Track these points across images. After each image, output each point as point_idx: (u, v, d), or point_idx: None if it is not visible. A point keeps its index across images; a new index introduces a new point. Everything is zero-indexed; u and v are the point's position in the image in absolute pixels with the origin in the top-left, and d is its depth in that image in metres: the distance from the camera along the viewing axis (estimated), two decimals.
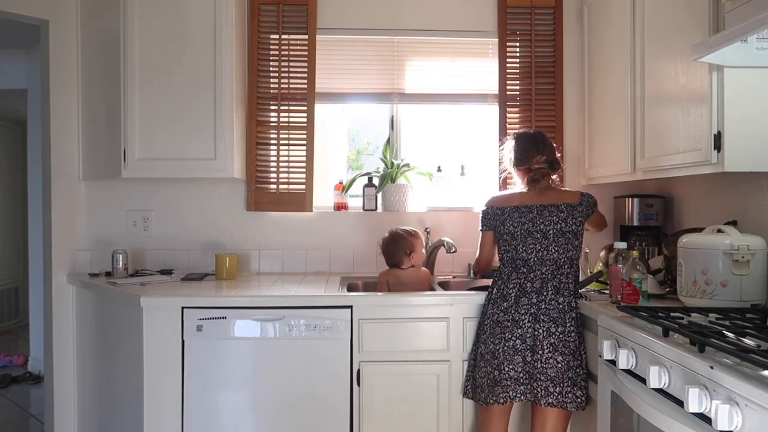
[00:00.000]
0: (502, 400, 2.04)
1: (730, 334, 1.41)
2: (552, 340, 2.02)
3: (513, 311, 2.07)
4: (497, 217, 2.18)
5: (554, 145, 2.26)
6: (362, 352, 2.29)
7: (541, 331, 2.03)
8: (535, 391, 2.02)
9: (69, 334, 2.86)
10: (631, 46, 2.39)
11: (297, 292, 2.40)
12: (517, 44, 3.03)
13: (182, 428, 2.28)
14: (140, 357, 2.28)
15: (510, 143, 2.29)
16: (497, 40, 3.03)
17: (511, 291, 2.11)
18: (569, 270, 2.11)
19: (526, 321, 2.05)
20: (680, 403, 1.38)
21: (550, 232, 2.10)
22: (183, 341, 2.28)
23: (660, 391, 1.49)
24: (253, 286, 2.57)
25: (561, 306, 2.05)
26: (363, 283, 2.81)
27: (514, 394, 2.03)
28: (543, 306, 2.05)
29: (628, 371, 1.68)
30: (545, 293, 2.07)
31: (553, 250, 2.10)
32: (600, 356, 1.87)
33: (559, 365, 2.01)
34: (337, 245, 3.02)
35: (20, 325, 6.00)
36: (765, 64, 1.74)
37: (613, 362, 1.77)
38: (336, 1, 3.02)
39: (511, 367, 2.03)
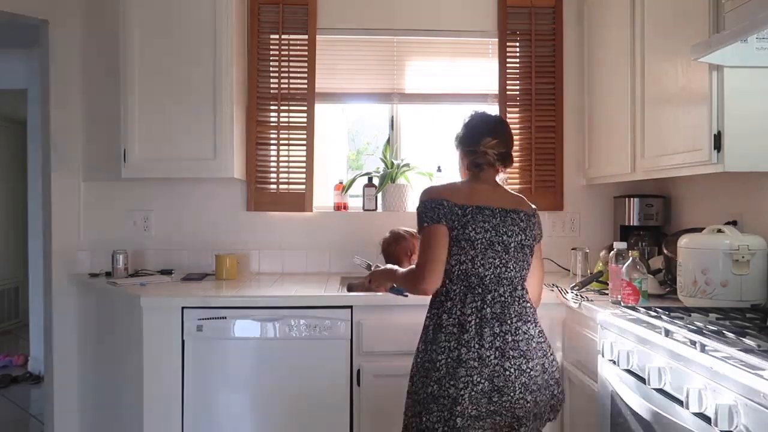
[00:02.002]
0: None
1: (730, 334, 1.41)
2: (523, 380, 1.65)
3: (477, 346, 1.65)
4: (456, 217, 1.69)
5: (512, 139, 1.86)
6: (362, 352, 2.29)
7: (512, 370, 1.64)
8: (495, 425, 1.67)
9: (69, 334, 2.86)
10: (631, 46, 2.39)
11: (297, 292, 2.39)
12: (517, 44, 3.03)
13: (182, 428, 2.28)
14: (140, 357, 2.28)
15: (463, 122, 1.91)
16: (497, 39, 3.03)
17: (469, 318, 1.67)
18: (523, 292, 1.74)
19: (492, 358, 1.65)
20: (680, 403, 1.38)
21: (512, 244, 1.71)
22: (183, 341, 2.28)
23: (660, 390, 1.49)
24: (253, 286, 2.57)
25: (528, 336, 1.69)
26: (363, 283, 2.80)
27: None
28: (510, 338, 1.66)
29: (628, 371, 1.68)
30: (509, 321, 1.68)
31: (511, 267, 1.71)
32: (600, 356, 1.87)
33: (528, 405, 1.66)
34: (337, 245, 3.02)
35: (20, 325, 6.00)
36: (765, 64, 1.74)
37: (613, 362, 1.77)
38: (336, 1, 3.02)
39: (474, 407, 1.63)
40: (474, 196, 1.74)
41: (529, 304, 1.74)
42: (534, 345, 1.70)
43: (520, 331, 1.68)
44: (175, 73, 2.65)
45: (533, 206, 1.82)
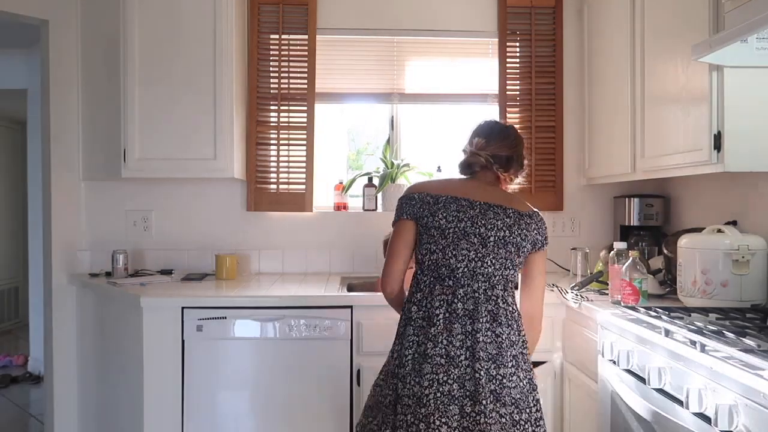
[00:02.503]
0: None
1: (730, 334, 1.41)
2: (492, 387, 1.53)
3: (445, 342, 1.56)
4: (426, 206, 1.65)
5: (518, 145, 1.76)
6: (362, 352, 2.29)
7: (481, 373, 1.53)
8: None
9: (69, 334, 2.86)
10: (631, 46, 2.39)
11: (297, 292, 2.40)
12: (517, 44, 3.03)
13: (182, 428, 2.28)
14: (140, 357, 2.28)
15: None
16: (497, 40, 3.03)
17: (437, 311, 1.59)
18: (503, 293, 1.62)
19: (462, 358, 1.54)
20: (680, 402, 1.38)
21: (491, 238, 1.61)
22: (183, 341, 2.28)
23: (660, 391, 1.49)
24: (253, 286, 2.57)
25: (500, 340, 1.57)
26: (363, 283, 2.80)
27: None
28: (480, 338, 1.55)
29: (628, 371, 1.68)
30: (481, 320, 1.57)
31: (489, 263, 1.61)
32: (600, 356, 1.87)
33: (504, 420, 1.52)
34: (337, 245, 3.02)
35: (20, 325, 6.00)
36: (765, 64, 1.75)
37: (613, 362, 1.77)
38: (336, 1, 3.02)
39: (443, 420, 1.50)
40: (455, 189, 1.68)
41: (509, 308, 1.62)
42: (510, 352, 1.57)
43: (490, 332, 1.57)
44: (175, 72, 2.65)
45: (534, 209, 1.71)
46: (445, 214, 1.62)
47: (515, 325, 1.62)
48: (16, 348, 5.26)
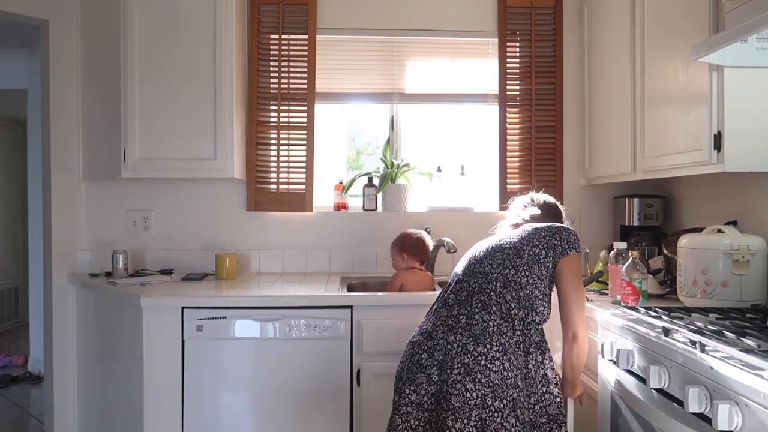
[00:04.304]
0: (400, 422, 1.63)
1: (730, 334, 1.41)
2: (465, 360, 1.59)
3: (429, 324, 1.74)
4: None
5: (561, 216, 2.03)
6: (362, 352, 2.29)
7: (454, 345, 1.62)
8: (439, 423, 1.58)
9: (69, 334, 2.86)
10: (631, 46, 2.39)
11: (297, 292, 2.39)
12: (517, 44, 3.03)
13: (182, 428, 2.28)
14: (140, 357, 2.28)
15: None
16: (497, 40, 3.03)
17: (434, 305, 1.83)
18: (502, 290, 1.70)
19: (439, 332, 1.68)
20: (680, 403, 1.38)
21: (490, 247, 1.82)
22: (183, 341, 2.28)
23: (660, 391, 1.49)
24: (253, 286, 2.57)
25: (486, 325, 1.64)
26: (363, 283, 2.81)
27: (417, 423, 1.61)
28: (464, 320, 1.67)
29: (628, 371, 1.68)
30: (469, 306, 1.70)
31: (486, 263, 1.77)
32: (600, 356, 1.87)
33: (468, 395, 1.55)
34: (337, 245, 3.02)
35: (20, 325, 6.00)
36: (765, 64, 1.75)
37: (613, 362, 1.77)
38: (336, 1, 3.02)
39: (412, 389, 1.62)
40: None
41: (507, 305, 1.68)
42: (496, 339, 1.62)
43: (477, 316, 1.66)
44: (175, 73, 2.65)
45: (561, 225, 1.84)
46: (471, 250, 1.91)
47: (512, 323, 1.67)
48: (16, 348, 5.26)
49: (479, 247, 1.86)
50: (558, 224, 1.81)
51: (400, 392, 1.66)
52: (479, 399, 1.56)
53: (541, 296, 1.72)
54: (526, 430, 1.61)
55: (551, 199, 2.07)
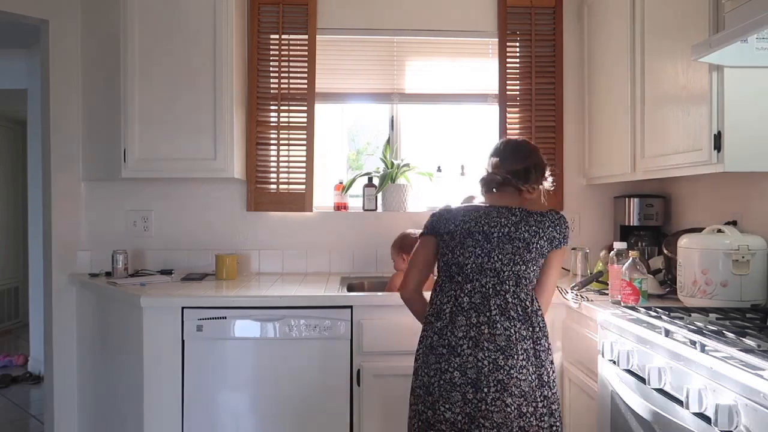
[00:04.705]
0: None
1: (730, 334, 1.41)
2: (499, 376, 1.60)
3: (449, 334, 1.66)
4: (443, 220, 1.78)
5: (530, 155, 1.82)
6: (362, 352, 2.29)
7: (485, 362, 1.61)
8: None
9: (69, 334, 2.86)
10: (631, 46, 2.39)
11: (297, 292, 2.39)
12: (517, 44, 3.03)
13: (182, 428, 2.28)
14: (140, 357, 2.28)
15: None
16: (497, 40, 3.03)
17: (445, 306, 1.70)
18: (516, 288, 1.68)
19: (465, 347, 1.63)
20: (680, 403, 1.38)
21: (494, 234, 1.70)
22: (183, 341, 2.28)
23: (660, 391, 1.49)
24: (253, 286, 2.57)
25: (509, 333, 1.63)
26: (363, 283, 2.81)
27: None
28: (486, 330, 1.63)
29: (628, 371, 1.68)
30: (488, 312, 1.65)
31: (495, 258, 1.68)
32: (600, 356, 1.87)
33: (509, 409, 1.59)
34: (337, 245, 3.02)
35: (20, 325, 6.00)
36: (765, 64, 1.74)
37: (613, 362, 1.77)
38: (336, 1, 3.02)
39: (447, 407, 1.61)
40: (476, 203, 1.82)
41: (522, 304, 1.67)
42: (520, 345, 1.63)
43: (498, 325, 1.63)
44: (175, 72, 2.65)
45: (555, 211, 1.75)
46: (453, 221, 1.76)
47: (529, 321, 1.66)
48: (16, 348, 5.26)
49: (480, 230, 1.71)
50: (559, 214, 1.75)
51: (434, 408, 1.64)
52: (516, 410, 1.60)
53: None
54: (546, 419, 1.64)
55: (516, 139, 1.91)
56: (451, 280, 1.73)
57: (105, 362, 2.66)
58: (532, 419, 1.61)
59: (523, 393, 1.61)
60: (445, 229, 1.76)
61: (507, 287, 1.68)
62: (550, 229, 1.71)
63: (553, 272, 1.76)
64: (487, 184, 1.81)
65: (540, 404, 1.63)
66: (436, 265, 1.81)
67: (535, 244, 1.69)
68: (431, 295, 1.80)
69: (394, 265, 2.64)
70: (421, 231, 1.86)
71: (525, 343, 1.64)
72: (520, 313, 1.66)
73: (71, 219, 2.93)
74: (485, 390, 1.59)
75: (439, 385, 1.63)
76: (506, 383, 1.60)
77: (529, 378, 1.62)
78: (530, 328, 1.66)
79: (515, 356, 1.62)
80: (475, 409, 1.60)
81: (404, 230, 2.69)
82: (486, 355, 1.61)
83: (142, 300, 2.25)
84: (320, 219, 3.03)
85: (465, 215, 1.75)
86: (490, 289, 1.67)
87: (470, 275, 1.70)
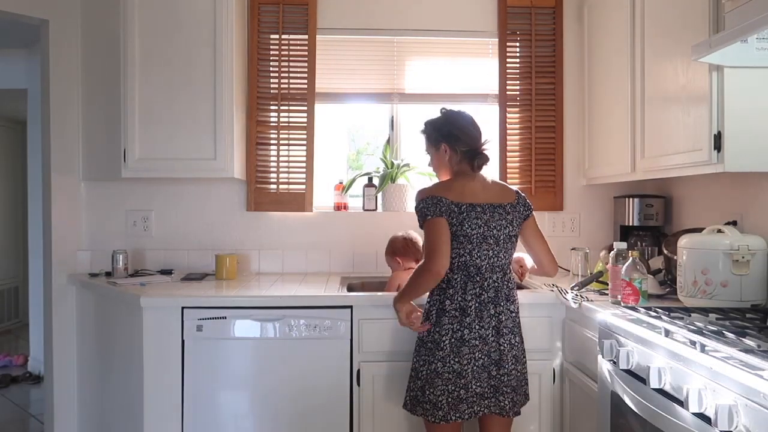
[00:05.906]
0: (467, 416, 1.93)
1: (730, 335, 1.41)
2: (515, 353, 1.97)
3: (478, 327, 1.93)
4: (454, 213, 1.91)
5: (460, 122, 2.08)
6: (362, 352, 2.29)
7: (505, 345, 1.95)
8: (501, 404, 1.95)
9: (69, 334, 2.86)
10: (631, 46, 2.39)
11: (297, 292, 2.39)
12: (517, 44, 3.03)
13: (182, 428, 2.28)
14: (140, 357, 2.28)
15: (437, 119, 2.08)
16: (497, 40, 3.03)
17: (470, 303, 1.93)
18: (511, 275, 2.04)
19: (490, 336, 1.94)
20: (680, 403, 1.38)
21: (501, 237, 1.97)
22: (183, 341, 2.28)
23: (660, 391, 1.49)
24: (253, 286, 2.57)
25: (513, 315, 1.99)
26: (363, 283, 2.81)
27: (479, 409, 1.94)
28: (503, 318, 1.96)
29: (628, 371, 1.68)
30: (501, 303, 1.96)
31: (502, 256, 1.98)
32: (600, 356, 1.87)
33: (519, 374, 1.99)
34: (337, 245, 3.02)
35: (20, 325, 6.00)
36: (765, 64, 1.75)
37: (613, 362, 1.77)
38: (336, 1, 3.02)
39: (477, 384, 1.93)
40: (465, 193, 1.96)
41: (512, 284, 2.02)
42: (517, 321, 2.01)
43: (507, 310, 1.97)
44: (175, 72, 2.65)
45: (514, 189, 2.05)
46: (469, 223, 1.92)
47: (514, 297, 2.02)
48: (16, 348, 5.26)
49: (491, 235, 1.95)
50: (516, 191, 2.05)
51: (466, 388, 1.91)
52: (521, 374, 2.02)
53: None
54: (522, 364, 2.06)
55: (436, 116, 2.12)
56: (471, 279, 1.95)
57: (105, 362, 2.66)
58: (524, 376, 2.04)
59: (521, 359, 2.02)
60: (461, 230, 1.93)
61: (508, 276, 2.01)
62: (522, 207, 2.02)
63: (539, 233, 2.10)
64: (481, 166, 2.02)
65: (525, 363, 2.06)
66: (451, 265, 1.96)
67: (519, 227, 2.02)
68: (445, 288, 1.96)
69: (392, 271, 2.66)
70: (428, 214, 1.93)
71: (517, 317, 2.01)
72: (514, 294, 2.02)
73: (71, 219, 2.93)
74: (506, 367, 1.94)
75: (472, 369, 1.92)
76: (518, 357, 1.99)
77: (521, 343, 2.02)
78: (515, 303, 2.01)
79: (517, 332, 2.00)
80: (498, 382, 1.94)
81: (392, 235, 2.69)
82: (506, 339, 1.95)
83: (142, 300, 2.25)
84: (320, 219, 3.03)
85: (477, 217, 1.93)
86: (500, 282, 1.97)
87: (485, 274, 1.95)
